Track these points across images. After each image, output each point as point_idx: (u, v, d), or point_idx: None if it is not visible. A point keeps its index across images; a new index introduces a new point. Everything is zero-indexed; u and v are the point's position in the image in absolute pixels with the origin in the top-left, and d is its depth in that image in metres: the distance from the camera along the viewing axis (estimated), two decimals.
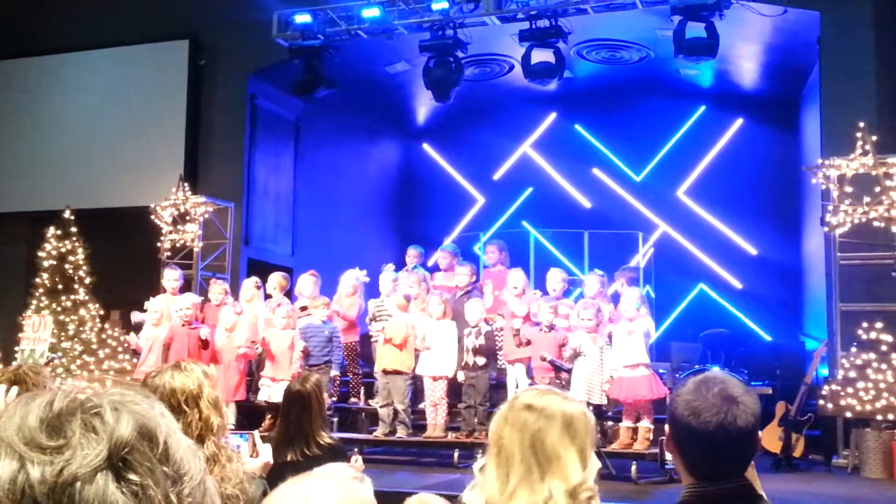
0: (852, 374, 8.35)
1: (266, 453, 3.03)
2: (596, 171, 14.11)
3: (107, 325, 10.24)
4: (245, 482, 2.41)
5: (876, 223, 8.66)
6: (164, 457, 0.91)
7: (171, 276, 9.77)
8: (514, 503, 2.10)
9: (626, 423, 7.75)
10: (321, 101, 11.71)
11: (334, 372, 8.68)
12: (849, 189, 8.77)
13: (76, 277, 10.47)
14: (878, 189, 8.68)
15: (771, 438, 8.75)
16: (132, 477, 0.87)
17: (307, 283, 9.66)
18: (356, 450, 4.28)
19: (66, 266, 10.48)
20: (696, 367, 8.88)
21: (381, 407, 8.55)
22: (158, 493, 0.88)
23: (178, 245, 11.10)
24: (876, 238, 8.74)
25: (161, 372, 2.47)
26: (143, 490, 0.87)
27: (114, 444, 0.88)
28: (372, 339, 9.44)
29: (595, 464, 2.20)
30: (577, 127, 14.26)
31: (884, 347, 8.37)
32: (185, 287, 10.37)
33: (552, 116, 14.46)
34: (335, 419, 9.04)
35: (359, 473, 2.91)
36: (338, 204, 13.46)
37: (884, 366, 8.28)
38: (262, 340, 8.86)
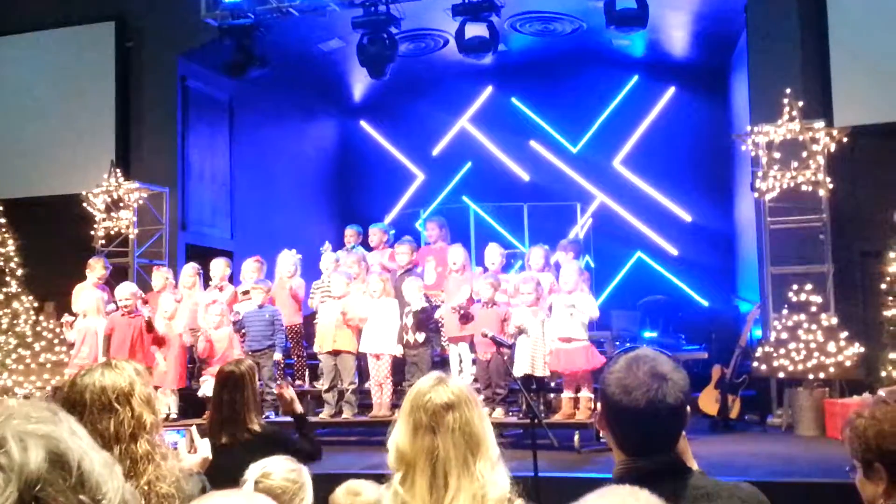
0: (784, 335, 8.61)
1: (205, 448, 3.00)
2: (533, 144, 14.20)
3: (41, 318, 9.99)
4: (181, 480, 2.39)
5: (804, 187, 8.91)
6: (80, 483, 0.87)
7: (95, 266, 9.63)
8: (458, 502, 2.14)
9: (567, 394, 7.88)
10: (255, 81, 11.53)
11: (277, 356, 8.62)
12: (777, 155, 8.99)
13: (7, 269, 10.17)
14: (804, 154, 8.92)
15: (708, 401, 9.00)
16: None
17: (251, 268, 9.57)
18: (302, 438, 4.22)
19: None
20: (628, 345, 9.05)
21: (326, 391, 8.54)
22: None
23: (112, 233, 10.88)
24: (804, 202, 8.99)
25: (91, 370, 2.41)
26: None
27: (24, 483, 0.83)
28: (314, 320, 9.39)
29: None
30: (514, 100, 14.32)
31: (813, 308, 8.64)
32: (122, 275, 10.19)
33: (488, 90, 14.49)
34: (280, 403, 8.99)
35: (296, 465, 2.93)
36: (276, 185, 13.32)
37: (814, 326, 8.54)
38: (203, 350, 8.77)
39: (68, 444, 0.89)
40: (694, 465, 2.28)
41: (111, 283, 9.66)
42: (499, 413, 7.73)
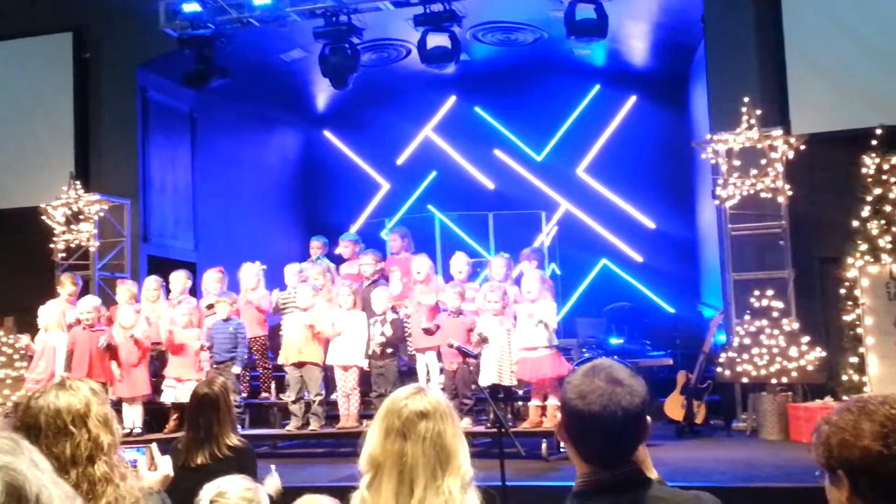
0: (747, 340, 8.72)
1: (165, 466, 2.96)
2: (497, 153, 14.25)
3: (0, 332, 9.82)
4: (141, 500, 2.36)
5: (763, 194, 9.04)
6: None
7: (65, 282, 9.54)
8: None
9: (534, 402, 7.90)
10: (216, 92, 11.46)
11: (237, 369, 8.50)
12: (737, 162, 9.12)
13: None
14: (763, 161, 9.05)
15: (674, 407, 9.07)
16: None
17: (213, 279, 9.48)
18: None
19: None
20: (587, 355, 9.11)
21: (293, 402, 8.47)
22: None
23: (72, 246, 10.73)
24: (764, 209, 9.12)
25: (45, 392, 2.37)
26: None
27: None
28: (280, 332, 9.33)
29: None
30: (477, 109, 14.36)
31: (775, 314, 8.76)
32: (83, 289, 10.04)
33: (452, 99, 14.52)
34: (246, 415, 8.93)
35: (252, 484, 2.89)
36: (240, 196, 13.23)
37: (776, 331, 8.66)
38: (167, 340, 8.67)
39: (27, 477, 0.87)
40: (654, 475, 2.29)
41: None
42: (466, 423, 7.71)
